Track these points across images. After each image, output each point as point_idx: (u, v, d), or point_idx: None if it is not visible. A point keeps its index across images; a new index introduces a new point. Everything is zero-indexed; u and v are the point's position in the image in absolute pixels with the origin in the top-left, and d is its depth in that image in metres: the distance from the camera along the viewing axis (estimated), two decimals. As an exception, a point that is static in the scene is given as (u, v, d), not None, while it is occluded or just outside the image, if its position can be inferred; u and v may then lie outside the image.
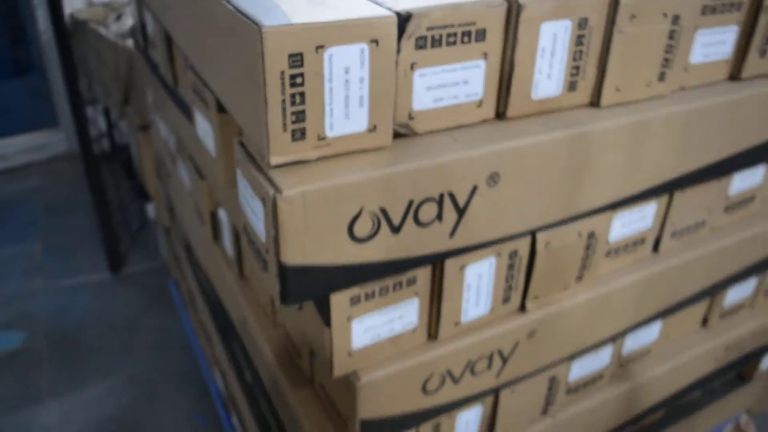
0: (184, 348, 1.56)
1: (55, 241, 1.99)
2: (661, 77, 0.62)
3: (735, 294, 0.99)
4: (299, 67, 0.43)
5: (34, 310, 1.70)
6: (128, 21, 1.88)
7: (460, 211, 0.54)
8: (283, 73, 0.43)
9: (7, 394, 1.44)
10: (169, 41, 0.88)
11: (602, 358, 0.85)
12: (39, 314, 1.68)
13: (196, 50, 0.64)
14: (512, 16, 0.51)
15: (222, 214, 0.87)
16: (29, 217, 2.12)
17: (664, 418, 1.13)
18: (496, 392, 0.74)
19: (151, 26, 0.99)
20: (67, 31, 1.59)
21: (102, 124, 2.25)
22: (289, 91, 0.44)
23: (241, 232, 0.56)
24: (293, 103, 0.44)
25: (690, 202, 0.76)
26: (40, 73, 2.59)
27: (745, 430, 1.35)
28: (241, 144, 0.51)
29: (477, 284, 0.61)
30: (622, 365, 0.90)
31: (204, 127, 0.69)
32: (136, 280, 1.82)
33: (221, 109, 0.64)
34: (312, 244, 0.48)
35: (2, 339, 1.59)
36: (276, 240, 0.46)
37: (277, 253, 0.47)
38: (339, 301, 0.54)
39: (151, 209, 2.02)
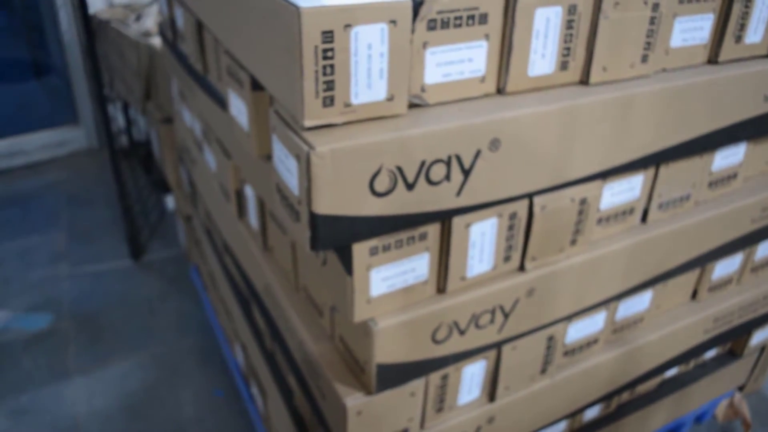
0: (203, 329, 1.64)
1: (77, 231, 2.08)
2: (644, 59, 0.70)
3: (722, 269, 1.06)
4: (330, 42, 0.51)
5: (60, 294, 1.79)
6: (148, 21, 1.96)
7: (466, 173, 0.62)
8: (316, 47, 0.51)
9: (37, 371, 1.52)
10: (200, 32, 0.96)
11: (596, 323, 0.92)
12: (65, 298, 1.77)
13: (232, 35, 0.72)
14: (510, 2, 0.60)
15: (248, 191, 0.95)
16: (52, 208, 2.21)
17: (658, 390, 1.20)
18: (498, 347, 0.81)
19: (181, 20, 1.07)
20: (92, 31, 1.67)
21: (121, 121, 2.33)
22: (321, 63, 0.52)
23: (273, 193, 0.64)
24: (324, 74, 0.52)
25: (675, 175, 0.84)
26: (60, 72, 2.67)
27: (738, 407, 1.41)
28: (277, 113, 0.59)
29: (481, 242, 0.69)
30: (616, 331, 0.98)
31: (238, 106, 0.78)
32: (156, 267, 1.90)
33: (255, 87, 0.72)
34: (339, 197, 0.56)
35: (31, 320, 1.67)
36: (308, 192, 0.54)
37: (309, 204, 0.55)
38: (360, 250, 0.62)
39: (170, 201, 2.10)
